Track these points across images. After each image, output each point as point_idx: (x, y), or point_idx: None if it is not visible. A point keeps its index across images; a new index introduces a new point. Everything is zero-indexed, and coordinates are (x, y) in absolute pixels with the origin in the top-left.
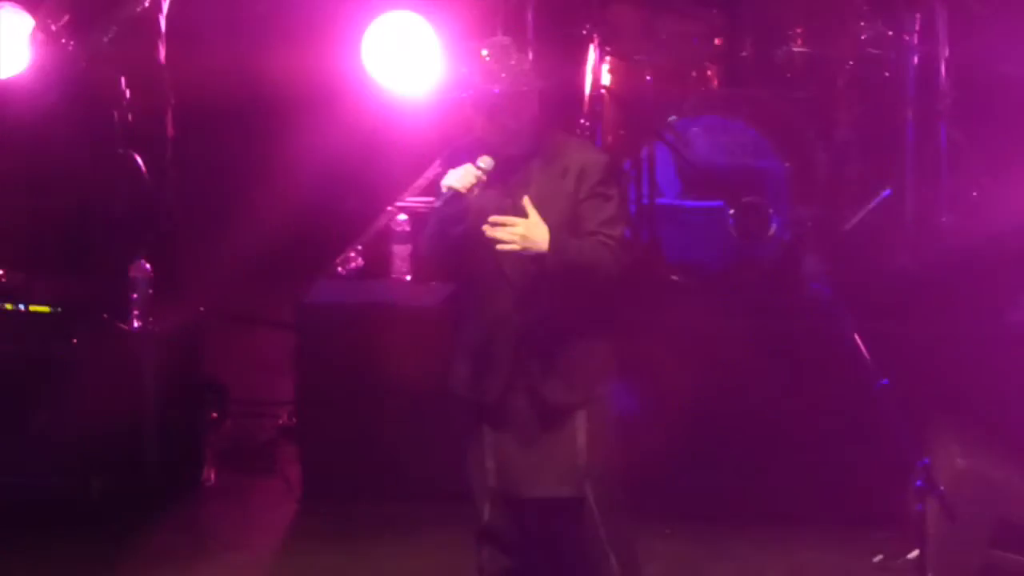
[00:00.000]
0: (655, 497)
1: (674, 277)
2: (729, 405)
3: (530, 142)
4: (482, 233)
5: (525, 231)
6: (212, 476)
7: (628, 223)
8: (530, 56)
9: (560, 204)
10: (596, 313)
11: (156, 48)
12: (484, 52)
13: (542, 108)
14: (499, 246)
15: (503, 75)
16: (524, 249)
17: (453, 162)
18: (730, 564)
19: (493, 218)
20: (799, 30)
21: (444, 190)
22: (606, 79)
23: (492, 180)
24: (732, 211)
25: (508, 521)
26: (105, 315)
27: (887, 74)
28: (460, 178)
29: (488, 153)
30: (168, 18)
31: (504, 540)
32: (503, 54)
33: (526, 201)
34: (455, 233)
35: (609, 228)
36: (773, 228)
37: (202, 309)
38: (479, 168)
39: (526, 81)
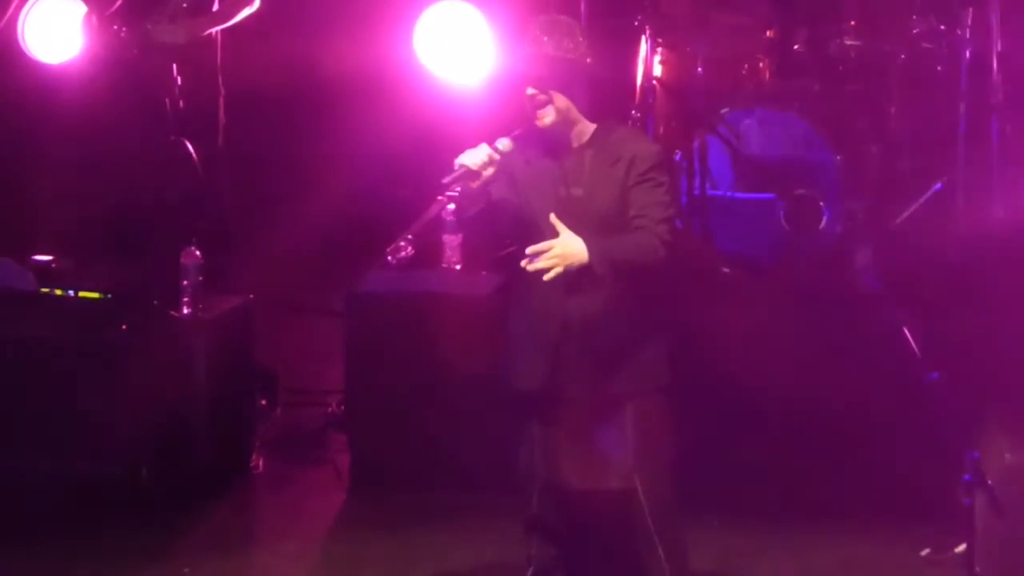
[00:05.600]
0: (705, 489)
1: (725, 269)
2: (779, 397)
3: (582, 131)
4: (533, 218)
5: (561, 251)
6: (261, 464)
7: (676, 211)
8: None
9: (610, 192)
10: (648, 303)
11: (208, 35)
12: (538, 25)
13: (596, 98)
14: (545, 277)
15: (551, 41)
16: (567, 268)
17: (515, 156)
18: (779, 557)
19: (529, 250)
20: (852, 23)
21: (456, 167)
22: (658, 70)
23: (546, 168)
24: (784, 203)
25: (557, 511)
26: (155, 302)
27: (939, 68)
28: (473, 156)
29: (540, 143)
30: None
31: (553, 530)
32: (555, 26)
33: (553, 218)
34: (475, 218)
35: (653, 211)
36: (824, 221)
37: (252, 297)
38: (496, 149)
39: (574, 50)
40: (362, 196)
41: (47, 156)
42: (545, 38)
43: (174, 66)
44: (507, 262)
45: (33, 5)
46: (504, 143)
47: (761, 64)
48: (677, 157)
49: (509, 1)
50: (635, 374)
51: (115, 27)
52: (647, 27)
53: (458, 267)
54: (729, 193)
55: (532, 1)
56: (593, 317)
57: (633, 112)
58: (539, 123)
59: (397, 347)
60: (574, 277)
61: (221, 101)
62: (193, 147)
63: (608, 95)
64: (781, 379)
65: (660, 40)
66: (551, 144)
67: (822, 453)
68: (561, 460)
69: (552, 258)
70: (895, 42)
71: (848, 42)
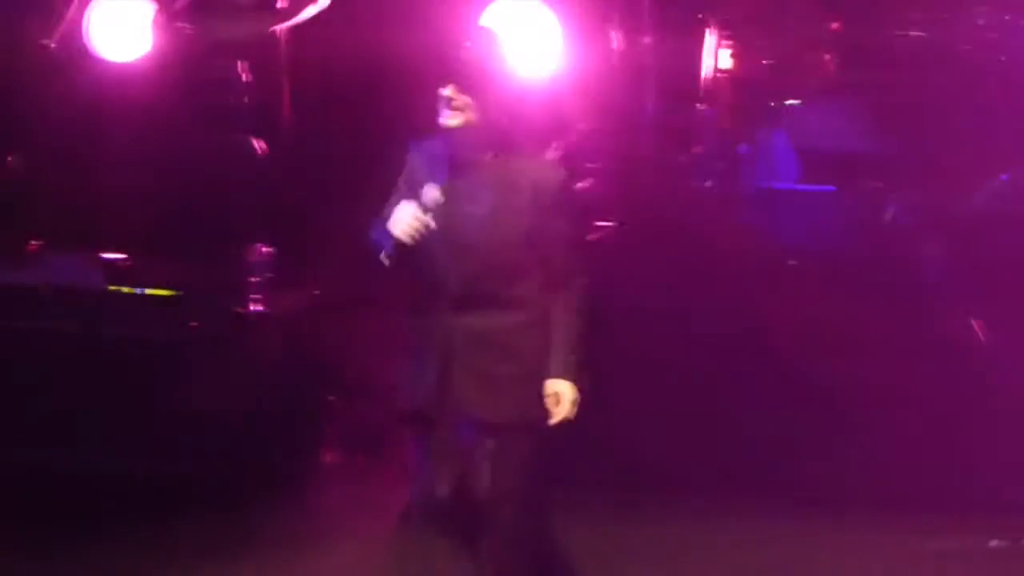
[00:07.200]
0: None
1: (791, 261)
2: (846, 388)
3: (492, 145)
4: (428, 235)
5: (568, 408)
6: (329, 459)
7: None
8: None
9: (515, 217)
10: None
11: (273, 32)
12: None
13: (523, 118)
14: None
15: (486, 52)
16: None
17: (418, 161)
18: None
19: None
20: (916, 15)
21: (393, 237)
22: (724, 63)
23: (444, 182)
24: (848, 196)
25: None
26: (224, 299)
27: (1003, 58)
28: (404, 227)
29: (441, 155)
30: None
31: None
32: (493, 38)
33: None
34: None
35: (568, 263)
36: (890, 213)
37: (321, 292)
38: (426, 204)
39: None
40: None
41: (115, 154)
42: (482, 47)
43: (239, 63)
44: None
45: (98, 4)
46: (433, 194)
47: (827, 56)
48: (743, 149)
49: None
50: (508, 407)
51: (180, 25)
52: (712, 20)
53: None
54: (794, 185)
55: None
56: (479, 341)
57: (699, 105)
58: (442, 122)
59: None
60: (462, 298)
61: (286, 98)
62: (260, 143)
63: (675, 88)
64: (848, 371)
65: (726, 33)
66: (451, 158)
67: (869, 444)
68: (437, 478)
69: (568, 411)
70: (960, 33)
71: (913, 34)
